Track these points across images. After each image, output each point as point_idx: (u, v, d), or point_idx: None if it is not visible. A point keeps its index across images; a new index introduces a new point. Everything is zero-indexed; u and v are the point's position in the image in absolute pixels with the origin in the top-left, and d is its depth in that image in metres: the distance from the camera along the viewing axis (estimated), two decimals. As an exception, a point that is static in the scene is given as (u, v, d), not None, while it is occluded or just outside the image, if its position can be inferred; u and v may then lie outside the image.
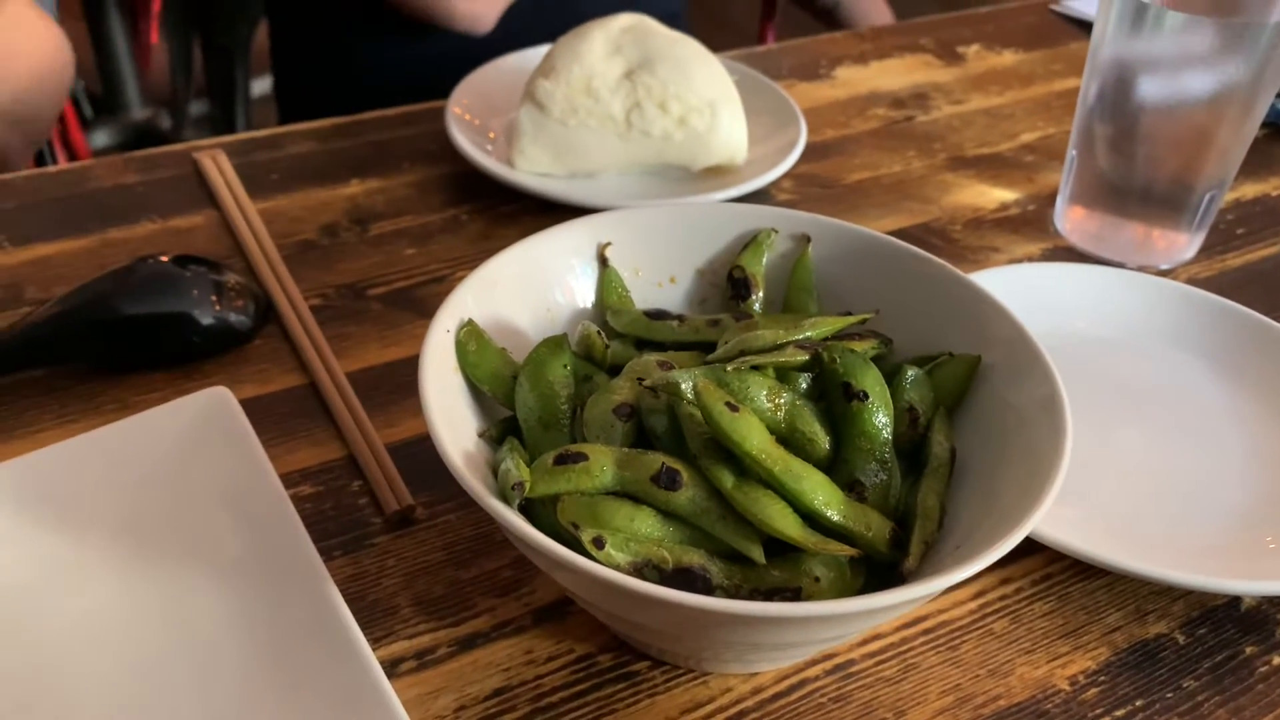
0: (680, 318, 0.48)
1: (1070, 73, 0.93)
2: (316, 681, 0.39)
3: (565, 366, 0.43)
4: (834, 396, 0.42)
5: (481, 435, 0.42)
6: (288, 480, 0.49)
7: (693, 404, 0.39)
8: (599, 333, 0.45)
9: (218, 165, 0.71)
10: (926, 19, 1.03)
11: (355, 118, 0.79)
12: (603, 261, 0.49)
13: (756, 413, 0.39)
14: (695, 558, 0.38)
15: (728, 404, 0.38)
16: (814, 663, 0.43)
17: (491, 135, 0.74)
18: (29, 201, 0.68)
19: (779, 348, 0.42)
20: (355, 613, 0.42)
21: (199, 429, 0.48)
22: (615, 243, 0.49)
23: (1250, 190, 0.77)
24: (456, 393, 0.42)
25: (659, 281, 0.50)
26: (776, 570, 0.38)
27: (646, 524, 0.38)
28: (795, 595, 0.37)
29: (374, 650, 0.41)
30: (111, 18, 1.83)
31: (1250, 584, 0.44)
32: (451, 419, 0.39)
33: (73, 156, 1.27)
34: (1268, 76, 0.59)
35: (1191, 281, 0.66)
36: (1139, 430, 0.53)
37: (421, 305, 0.61)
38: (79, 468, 0.47)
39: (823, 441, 0.41)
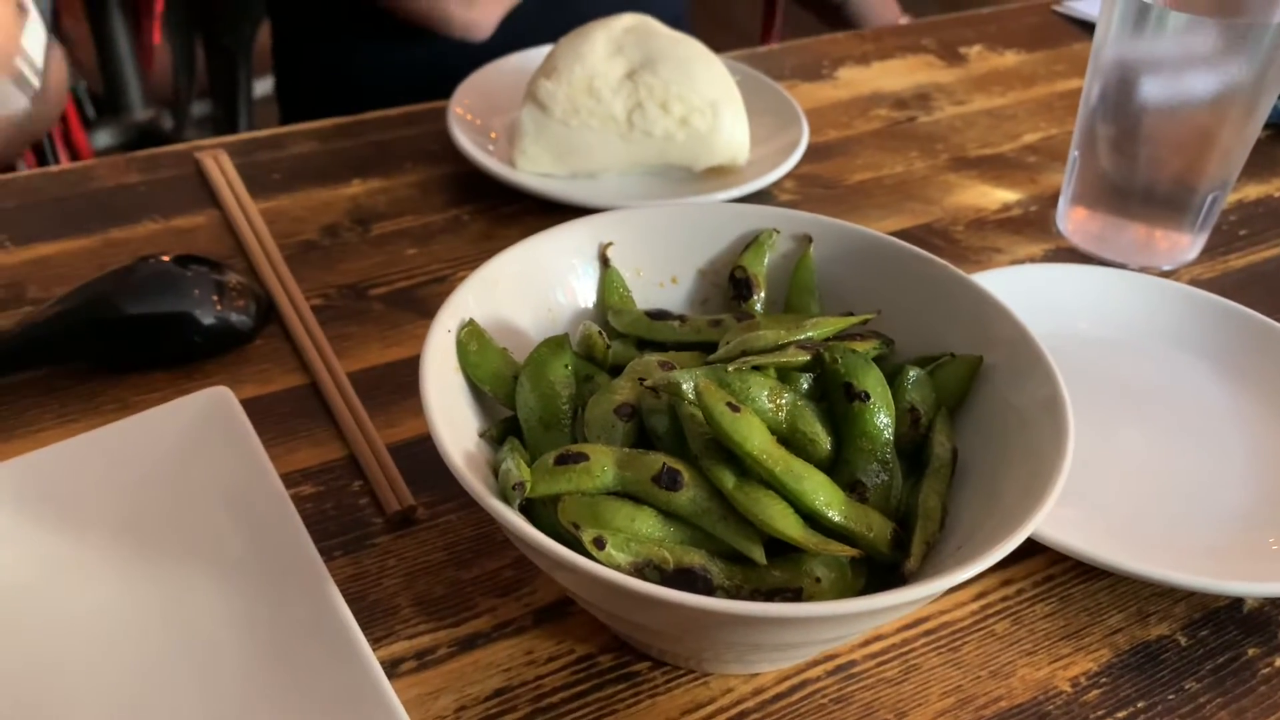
0: (682, 318, 0.48)
1: (1073, 73, 0.93)
2: (317, 681, 0.39)
3: (566, 366, 0.43)
4: (835, 397, 0.42)
5: (482, 435, 0.42)
6: (288, 480, 0.49)
7: (694, 404, 0.39)
8: (600, 333, 0.45)
9: (219, 165, 0.71)
10: (929, 20, 1.03)
11: (357, 118, 0.79)
12: (604, 261, 0.49)
13: (758, 413, 0.39)
14: (696, 558, 0.38)
15: (729, 404, 0.38)
16: (815, 663, 0.43)
17: (493, 135, 0.74)
18: (31, 201, 0.68)
19: (780, 348, 0.42)
20: (356, 613, 0.42)
21: (200, 429, 0.48)
22: (617, 243, 0.49)
23: (1253, 191, 0.77)
24: (457, 393, 0.42)
25: (660, 281, 0.50)
26: (777, 571, 0.38)
27: (647, 524, 0.38)
28: (796, 596, 0.37)
29: (374, 650, 0.41)
30: (114, 18, 1.83)
31: (1252, 585, 0.44)
32: (452, 419, 0.39)
33: (75, 156, 1.27)
34: (1270, 77, 0.59)
35: (1194, 283, 0.66)
36: (1141, 431, 0.53)
37: (423, 305, 0.61)
38: (80, 467, 0.47)
39: (824, 442, 0.41)
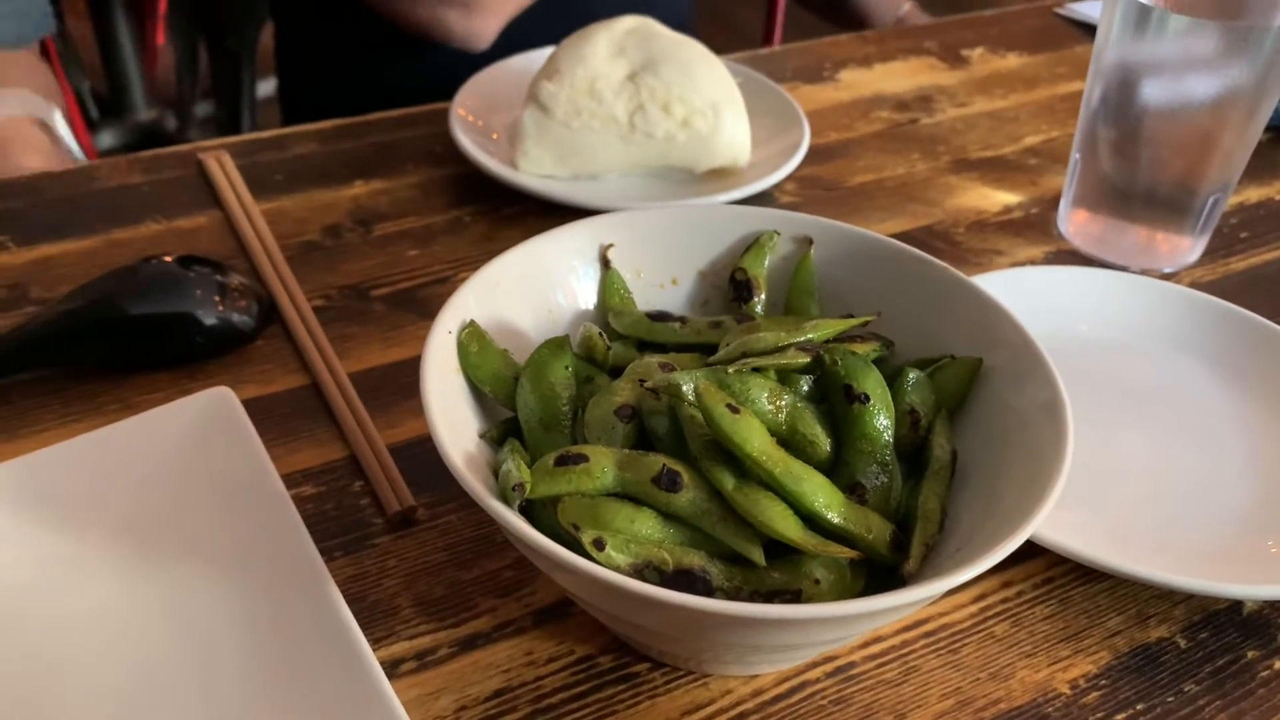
0: (682, 319, 0.48)
1: (1074, 76, 0.93)
2: (317, 681, 0.39)
3: (567, 368, 0.43)
4: (835, 399, 0.42)
5: (483, 436, 0.42)
6: (289, 480, 0.49)
7: (694, 406, 0.39)
8: (601, 334, 0.45)
9: (222, 166, 0.71)
10: (931, 22, 1.03)
11: (359, 119, 0.79)
12: (605, 263, 0.49)
13: (758, 415, 0.39)
14: (696, 559, 0.38)
15: (729, 406, 0.38)
16: (814, 665, 0.43)
17: (495, 137, 0.74)
18: (34, 201, 0.68)
19: (780, 350, 0.42)
20: (356, 613, 0.42)
21: (201, 429, 0.48)
22: (617, 244, 0.49)
23: (1254, 194, 0.77)
24: (458, 394, 0.42)
25: (661, 283, 0.50)
26: (777, 572, 0.38)
27: (647, 525, 0.38)
28: (795, 597, 0.37)
29: (375, 651, 0.41)
30: (118, 19, 1.84)
31: (1252, 588, 0.44)
32: (453, 420, 0.40)
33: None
34: (1271, 80, 0.59)
35: (1195, 285, 0.66)
36: (1141, 433, 0.53)
37: (424, 306, 0.61)
38: (82, 467, 0.47)
39: (824, 444, 0.41)
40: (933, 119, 0.85)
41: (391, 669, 0.42)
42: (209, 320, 0.55)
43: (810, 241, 0.49)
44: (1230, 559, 0.46)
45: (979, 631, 0.45)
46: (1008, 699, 0.42)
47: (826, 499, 0.38)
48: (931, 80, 0.91)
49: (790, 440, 0.40)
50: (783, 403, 0.41)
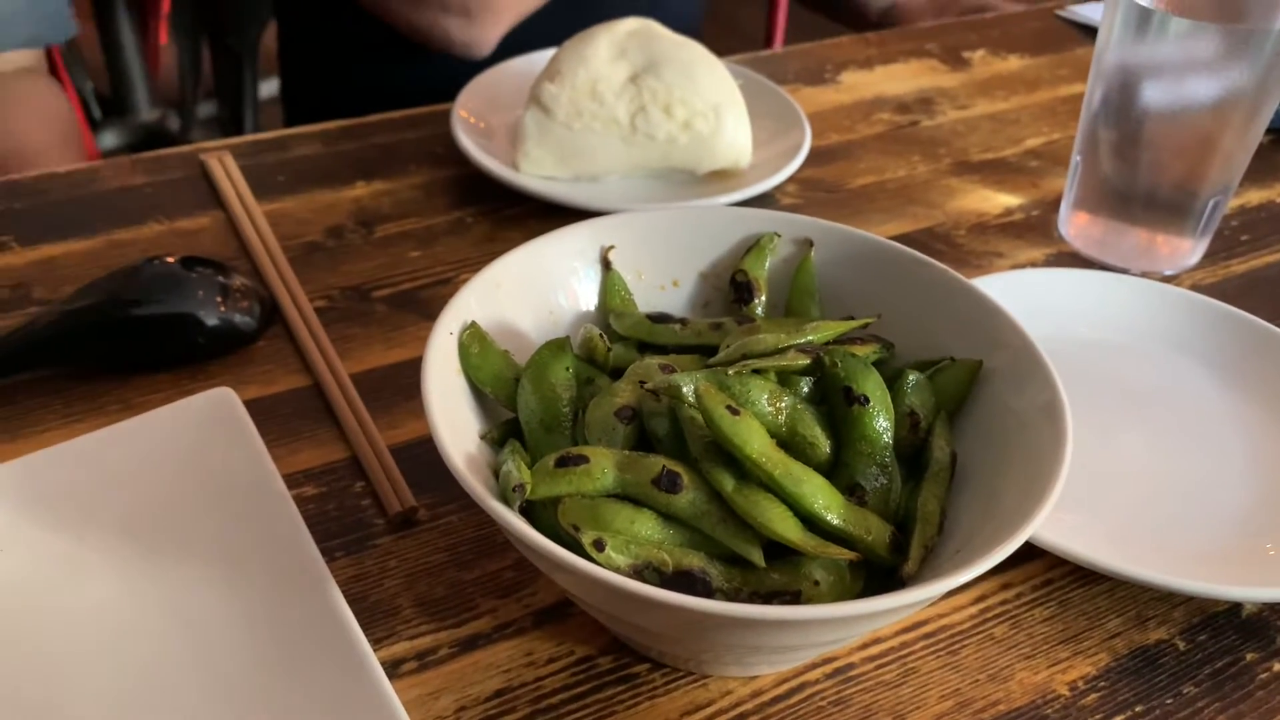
0: (683, 321, 0.48)
1: (1076, 78, 0.93)
2: (317, 681, 0.39)
3: (567, 369, 0.43)
4: (835, 400, 0.42)
5: (483, 437, 0.42)
6: (291, 481, 0.49)
7: (694, 407, 0.39)
8: (601, 335, 0.46)
9: (224, 167, 0.72)
10: (932, 24, 1.04)
11: (361, 120, 0.79)
12: (606, 264, 0.49)
13: (758, 416, 0.40)
14: (695, 560, 0.38)
15: (729, 407, 0.38)
16: (814, 666, 0.43)
17: (496, 138, 0.74)
18: (37, 202, 0.69)
19: (781, 351, 0.42)
20: (357, 613, 0.42)
21: (203, 429, 0.48)
22: (618, 246, 0.49)
23: (1255, 197, 0.77)
24: (459, 395, 0.42)
25: (662, 285, 0.50)
26: (776, 573, 0.38)
27: (647, 527, 0.38)
28: (795, 598, 0.38)
29: (375, 651, 0.41)
30: (121, 19, 1.84)
31: (1251, 591, 0.44)
32: (454, 421, 0.40)
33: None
34: (1272, 82, 0.59)
35: (1195, 288, 0.66)
36: (1141, 435, 0.53)
37: (426, 307, 0.62)
38: (84, 467, 0.47)
39: (823, 445, 0.41)
40: (934, 121, 0.85)
41: (392, 669, 0.42)
42: (211, 321, 0.55)
43: (811, 243, 0.49)
44: (1229, 561, 0.46)
45: (978, 633, 0.45)
46: (1007, 700, 0.42)
47: (826, 500, 0.38)
48: (933, 82, 0.91)
49: (790, 442, 0.40)
50: (783, 404, 0.41)
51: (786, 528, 0.37)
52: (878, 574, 0.39)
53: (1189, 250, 0.68)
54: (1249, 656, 0.44)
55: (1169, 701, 0.42)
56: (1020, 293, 0.57)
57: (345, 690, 0.38)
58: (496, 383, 0.43)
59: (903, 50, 0.96)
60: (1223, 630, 0.45)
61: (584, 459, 0.39)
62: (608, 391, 0.42)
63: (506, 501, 0.37)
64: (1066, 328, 0.59)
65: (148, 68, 1.93)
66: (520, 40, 0.87)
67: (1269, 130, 0.80)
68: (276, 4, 1.10)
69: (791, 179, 0.75)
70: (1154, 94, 0.62)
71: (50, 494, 0.46)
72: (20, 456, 0.47)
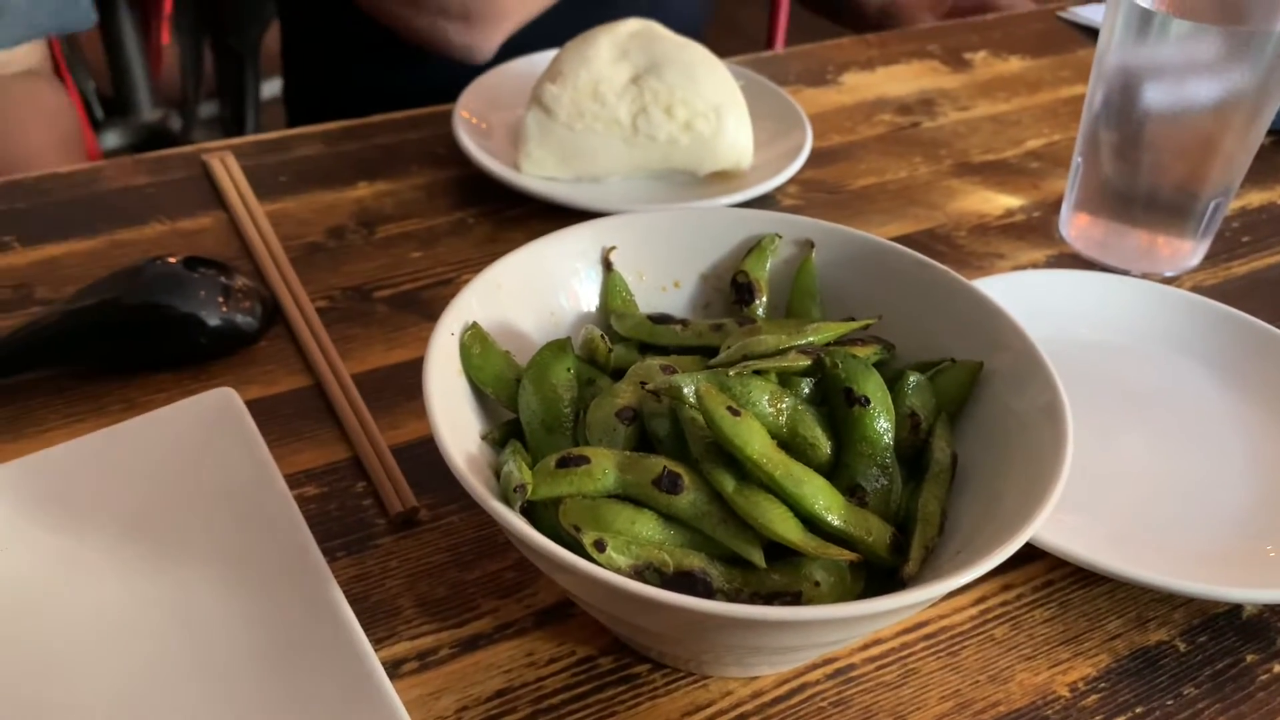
0: (684, 322, 0.48)
1: (1077, 80, 0.93)
2: (318, 681, 0.39)
3: (568, 370, 0.43)
4: (836, 402, 0.42)
5: (484, 438, 0.42)
6: (293, 481, 0.49)
7: (695, 408, 0.39)
8: (602, 336, 0.46)
9: (226, 167, 0.72)
10: (934, 25, 1.04)
11: (363, 121, 0.80)
12: (607, 265, 0.49)
13: (758, 417, 0.40)
14: (696, 561, 0.38)
15: (730, 408, 0.38)
16: (814, 667, 0.43)
17: (498, 139, 0.74)
18: (39, 202, 0.69)
19: (781, 353, 0.43)
20: (358, 613, 0.42)
21: (205, 429, 0.48)
22: (620, 247, 0.49)
23: (1256, 198, 0.77)
24: (460, 395, 0.42)
25: (663, 286, 0.50)
26: (777, 574, 0.38)
27: (648, 527, 0.38)
28: (796, 599, 0.38)
29: (376, 651, 0.41)
30: (123, 19, 1.84)
31: (1251, 592, 0.44)
32: (455, 421, 0.40)
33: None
34: (1273, 84, 0.59)
35: (1196, 289, 0.66)
36: (1142, 437, 0.53)
37: (427, 308, 0.62)
38: (86, 467, 0.47)
39: (824, 446, 0.41)
40: (935, 122, 0.85)
41: (393, 669, 0.42)
42: (213, 321, 0.55)
43: (812, 244, 0.50)
44: (1230, 562, 0.46)
45: (979, 634, 0.45)
46: (1007, 702, 0.42)
47: (827, 501, 0.38)
48: (934, 83, 0.91)
49: (791, 443, 0.40)
50: (783, 405, 0.41)
51: (787, 529, 0.37)
52: (878, 575, 0.39)
53: (1190, 252, 0.68)
54: (1249, 658, 0.44)
55: (1169, 703, 0.42)
56: (1021, 294, 0.57)
57: (346, 690, 0.38)
58: (498, 383, 0.43)
59: (904, 51, 0.97)
60: (1223, 632, 0.45)
61: (585, 459, 0.39)
62: (609, 392, 0.42)
63: (508, 502, 0.37)
64: (1067, 329, 0.59)
65: (150, 68, 1.93)
66: (522, 41, 0.87)
67: (1270, 132, 0.80)
68: (280, 4, 1.10)
69: (793, 180, 0.75)
70: (1155, 96, 0.62)
71: (52, 493, 0.46)
72: (22, 456, 0.47)
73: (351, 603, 0.42)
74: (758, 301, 0.49)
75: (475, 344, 0.43)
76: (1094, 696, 0.43)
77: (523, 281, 0.47)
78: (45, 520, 0.45)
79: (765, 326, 0.46)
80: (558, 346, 0.43)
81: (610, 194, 0.70)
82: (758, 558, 0.37)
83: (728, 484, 0.38)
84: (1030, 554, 0.47)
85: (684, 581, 0.37)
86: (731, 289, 0.50)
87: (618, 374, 0.45)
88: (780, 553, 0.38)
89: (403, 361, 0.57)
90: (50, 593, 0.43)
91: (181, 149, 0.75)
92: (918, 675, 0.43)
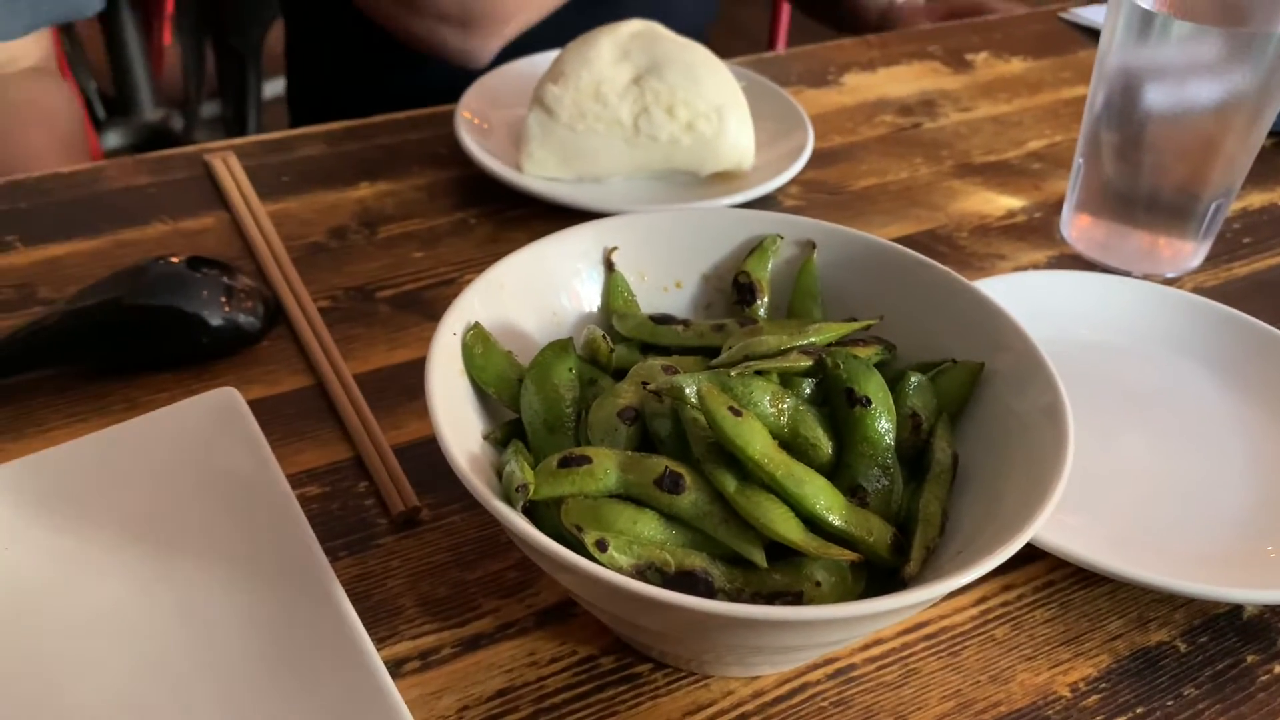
0: (685, 322, 0.48)
1: (1078, 81, 0.93)
2: (320, 681, 0.39)
3: (570, 370, 0.43)
4: (837, 402, 0.42)
5: (486, 438, 0.42)
6: (295, 481, 0.50)
7: (696, 408, 0.39)
8: (604, 337, 0.46)
9: (228, 167, 0.72)
10: (935, 26, 1.04)
11: (365, 121, 0.80)
12: (609, 266, 0.49)
13: (760, 417, 0.40)
14: (697, 561, 0.38)
15: (731, 408, 0.38)
16: (815, 667, 0.43)
17: (499, 139, 0.74)
18: (41, 202, 0.69)
19: (783, 353, 0.43)
20: (360, 613, 0.42)
21: (207, 429, 0.48)
22: (621, 247, 0.49)
23: (1257, 199, 0.77)
24: (462, 395, 0.42)
25: (664, 286, 0.50)
26: (778, 574, 0.38)
27: (649, 527, 0.38)
28: (797, 599, 0.38)
29: (378, 650, 0.41)
30: (125, 19, 1.84)
31: (1252, 593, 0.44)
32: (457, 421, 0.40)
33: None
34: (1274, 85, 0.60)
35: (1197, 290, 0.67)
36: (1142, 437, 0.53)
37: (429, 308, 0.62)
38: (88, 467, 0.47)
39: (825, 447, 0.41)
40: (936, 123, 0.85)
41: (395, 668, 0.42)
42: (215, 321, 0.55)
43: (813, 245, 0.50)
44: (1230, 563, 0.46)
45: (979, 634, 0.45)
46: (1008, 702, 0.42)
47: (828, 501, 0.38)
48: (935, 84, 0.91)
49: (792, 443, 0.41)
50: (785, 406, 0.41)
51: (788, 529, 0.37)
52: (879, 575, 0.39)
53: (1191, 253, 0.68)
54: (1250, 658, 0.44)
55: (1170, 703, 0.43)
56: (1022, 295, 0.57)
57: (348, 689, 0.39)
58: (500, 383, 0.43)
59: (905, 52, 0.97)
60: (1224, 632, 0.45)
61: (587, 459, 0.39)
62: (610, 392, 0.43)
63: (510, 502, 0.37)
64: (1068, 330, 0.59)
65: (152, 68, 1.93)
66: (523, 42, 0.88)
67: (1271, 133, 0.80)
68: (285, 5, 1.10)
69: (794, 181, 0.75)
70: (1156, 97, 0.62)
71: (54, 493, 0.46)
72: (24, 456, 0.47)
73: (354, 602, 0.42)
74: (759, 302, 0.49)
75: (477, 344, 0.43)
76: (1095, 697, 0.43)
77: (525, 282, 0.47)
78: (47, 520, 0.45)
79: (767, 327, 0.46)
80: (560, 347, 0.44)
81: (612, 194, 0.70)
82: (759, 558, 0.38)
83: (729, 484, 0.38)
84: (1031, 554, 0.47)
85: (685, 581, 0.37)
86: (733, 289, 0.50)
87: (619, 374, 0.45)
88: (781, 553, 0.38)
89: (405, 361, 0.58)
90: (52, 593, 0.43)
91: (183, 149, 0.75)
92: (919, 675, 0.43)
